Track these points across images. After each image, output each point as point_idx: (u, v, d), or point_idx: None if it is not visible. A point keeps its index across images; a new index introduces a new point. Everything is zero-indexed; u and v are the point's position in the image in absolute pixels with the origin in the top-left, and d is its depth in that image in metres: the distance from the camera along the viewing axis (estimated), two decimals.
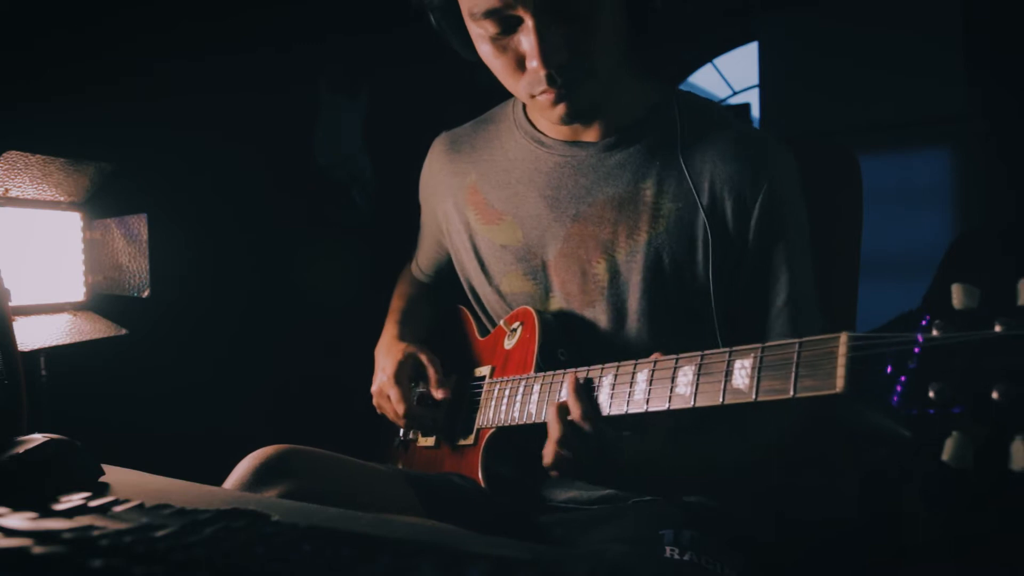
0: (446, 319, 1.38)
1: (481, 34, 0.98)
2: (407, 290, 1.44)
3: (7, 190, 1.12)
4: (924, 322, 0.62)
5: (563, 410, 0.94)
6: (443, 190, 1.25)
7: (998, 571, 1.34)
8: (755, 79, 3.78)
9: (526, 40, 0.94)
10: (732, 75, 4.50)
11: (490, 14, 0.94)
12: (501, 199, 1.17)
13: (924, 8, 3.26)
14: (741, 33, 3.99)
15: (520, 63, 0.97)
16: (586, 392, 0.93)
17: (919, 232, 3.22)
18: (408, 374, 1.22)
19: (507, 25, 0.95)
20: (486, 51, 0.99)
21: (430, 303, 1.41)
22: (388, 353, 1.26)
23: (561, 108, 1.01)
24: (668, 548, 0.97)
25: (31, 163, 1.10)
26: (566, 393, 0.94)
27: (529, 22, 0.93)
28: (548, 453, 0.95)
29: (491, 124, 1.23)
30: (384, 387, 1.22)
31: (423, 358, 1.21)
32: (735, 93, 4.51)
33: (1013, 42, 2.99)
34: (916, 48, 3.25)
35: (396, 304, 1.41)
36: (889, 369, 0.63)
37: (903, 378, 0.62)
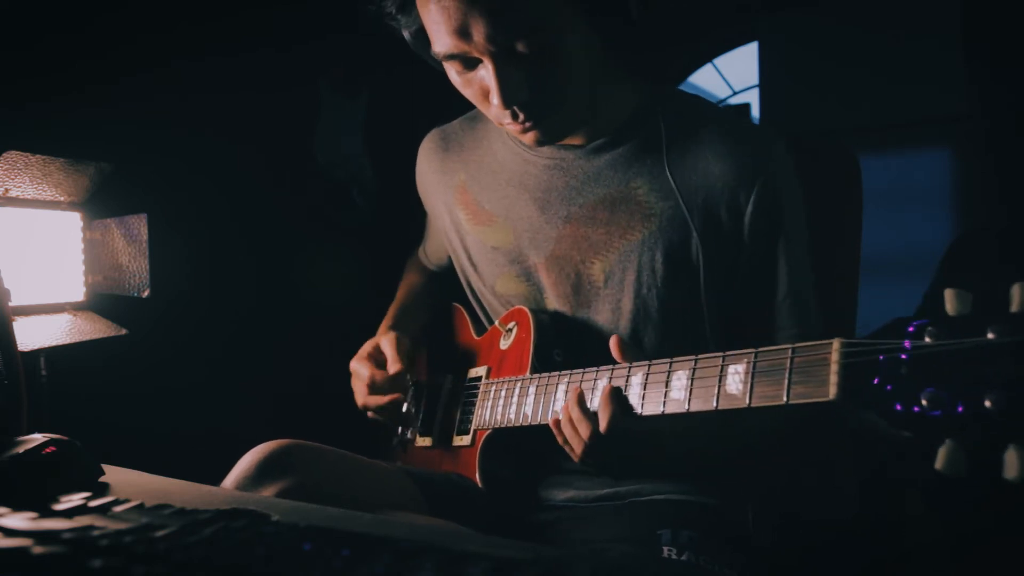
0: (441, 317, 1.38)
1: (448, 66, 0.99)
2: (412, 281, 1.44)
3: (7, 190, 1.12)
4: (911, 328, 0.61)
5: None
6: (434, 187, 1.26)
7: (998, 572, 1.34)
8: (755, 79, 3.77)
9: (487, 77, 0.94)
10: (732, 75, 4.48)
11: (451, 57, 0.94)
12: (492, 200, 1.17)
13: (924, 8, 3.26)
14: (741, 33, 3.98)
15: (487, 95, 0.97)
16: (618, 399, 0.91)
17: (919, 233, 3.22)
18: (376, 357, 1.22)
19: (469, 64, 0.95)
20: (455, 80, 1.00)
21: (433, 295, 1.41)
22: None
23: (530, 136, 1.01)
24: (665, 548, 0.97)
25: (31, 163, 1.10)
26: (598, 402, 0.93)
27: (488, 64, 0.92)
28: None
29: (479, 123, 1.23)
30: (352, 364, 1.23)
31: (383, 340, 1.21)
32: (735, 93, 4.50)
33: (1013, 42, 2.99)
34: (916, 48, 3.25)
35: (399, 297, 1.41)
36: (881, 376, 0.63)
37: (889, 386, 0.62)
